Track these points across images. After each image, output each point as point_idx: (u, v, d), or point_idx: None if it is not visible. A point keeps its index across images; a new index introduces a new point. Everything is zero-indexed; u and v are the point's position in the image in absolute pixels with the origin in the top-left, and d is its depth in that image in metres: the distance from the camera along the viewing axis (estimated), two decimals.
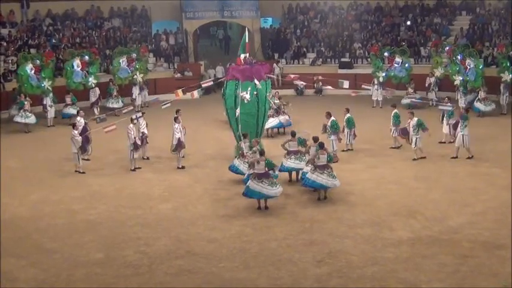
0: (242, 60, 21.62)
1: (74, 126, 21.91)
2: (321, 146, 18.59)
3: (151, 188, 19.95)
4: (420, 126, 22.15)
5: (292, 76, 23.63)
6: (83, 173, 21.52)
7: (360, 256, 14.68)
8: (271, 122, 25.72)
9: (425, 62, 35.09)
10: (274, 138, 25.23)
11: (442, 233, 15.93)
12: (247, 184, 17.71)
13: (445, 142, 23.98)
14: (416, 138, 22.17)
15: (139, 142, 21.66)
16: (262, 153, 18.08)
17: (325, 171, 18.16)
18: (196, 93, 23.25)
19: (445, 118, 24.10)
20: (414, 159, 22.18)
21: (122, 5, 39.28)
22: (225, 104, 22.16)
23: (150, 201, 18.78)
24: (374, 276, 13.71)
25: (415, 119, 22.30)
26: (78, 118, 23.20)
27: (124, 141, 21.94)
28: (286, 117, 26.31)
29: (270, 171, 17.90)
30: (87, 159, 22.38)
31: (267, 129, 25.19)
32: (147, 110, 27.08)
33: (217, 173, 21.14)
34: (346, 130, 23.03)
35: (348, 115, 23.02)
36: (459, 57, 30.47)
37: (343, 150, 22.98)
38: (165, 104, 22.34)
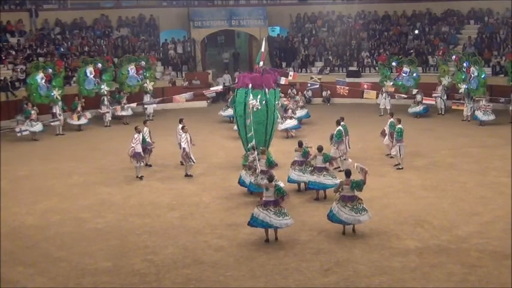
0: (259, 68, 21.70)
1: None
2: (347, 174, 16.51)
3: (159, 197, 19.95)
4: (398, 134, 22.05)
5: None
6: None
7: (368, 265, 14.64)
8: (289, 124, 26.97)
9: (433, 70, 35.10)
10: (291, 139, 25.56)
11: (450, 242, 15.87)
12: (252, 213, 16.22)
13: None
14: (400, 145, 22.13)
15: (140, 150, 21.60)
16: (271, 179, 16.63)
17: (348, 205, 16.14)
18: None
19: None
20: (396, 166, 22.24)
21: (130, 14, 39.47)
22: (234, 112, 22.23)
23: (157, 209, 18.79)
24: (381, 286, 13.66)
25: (399, 126, 22.26)
26: None
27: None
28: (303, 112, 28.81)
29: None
30: None
31: (286, 131, 26.98)
32: (153, 119, 27.20)
33: (224, 182, 21.14)
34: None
35: (342, 123, 22.82)
36: (465, 64, 30.54)
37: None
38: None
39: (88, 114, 27.87)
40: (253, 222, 16.06)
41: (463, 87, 30.14)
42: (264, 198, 16.17)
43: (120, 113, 30.76)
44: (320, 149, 19.31)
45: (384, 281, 13.84)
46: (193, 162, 21.87)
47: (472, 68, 30.22)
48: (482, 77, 30.18)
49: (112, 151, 25.01)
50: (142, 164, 21.85)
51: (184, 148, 21.53)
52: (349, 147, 22.61)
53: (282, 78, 22.83)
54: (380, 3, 40.47)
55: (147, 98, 32.10)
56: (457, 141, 26.12)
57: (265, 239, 16.13)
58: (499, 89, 30.73)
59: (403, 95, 27.71)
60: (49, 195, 20.33)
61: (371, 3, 40.60)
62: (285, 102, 27.59)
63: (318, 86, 31.05)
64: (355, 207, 16.16)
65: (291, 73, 24.62)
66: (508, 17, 36.36)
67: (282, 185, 17.64)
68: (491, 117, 28.67)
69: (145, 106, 31.95)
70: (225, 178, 21.50)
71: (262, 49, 22.28)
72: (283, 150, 22.86)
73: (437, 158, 23.56)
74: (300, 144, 20.02)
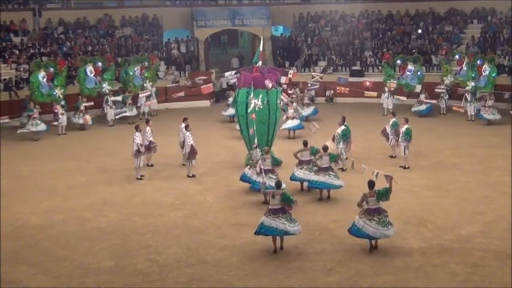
0: (257, 69, 21.67)
1: None
2: (370, 185, 15.46)
3: (162, 196, 19.95)
4: (406, 135, 22.00)
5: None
6: None
7: (371, 265, 14.63)
8: (290, 124, 27.08)
9: (436, 70, 35.06)
10: (295, 139, 25.70)
11: (453, 241, 15.86)
12: (260, 221, 15.36)
13: None
14: (404, 145, 22.10)
15: (142, 149, 21.57)
16: (278, 185, 15.88)
17: (375, 218, 15.08)
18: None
19: None
20: (403, 167, 22.17)
21: (133, 14, 39.48)
22: (236, 112, 22.24)
23: (160, 209, 18.79)
24: (385, 285, 13.65)
25: (406, 126, 22.21)
26: None
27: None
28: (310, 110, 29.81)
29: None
30: None
31: (288, 131, 27.11)
32: (154, 118, 27.18)
33: (228, 181, 21.12)
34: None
35: (345, 123, 22.73)
36: (479, 62, 30.55)
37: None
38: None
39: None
40: (265, 230, 15.25)
41: (471, 84, 30.14)
42: (270, 207, 15.46)
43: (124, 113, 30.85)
44: (325, 148, 19.27)
45: (387, 281, 13.84)
46: (193, 164, 21.86)
47: (485, 66, 30.32)
48: (493, 75, 30.26)
49: (115, 151, 25.00)
50: (141, 163, 21.76)
51: (192, 145, 21.45)
52: (350, 147, 22.50)
53: (282, 77, 22.83)
54: (383, 3, 40.41)
55: (142, 98, 31.86)
56: (459, 141, 26.09)
57: (274, 250, 15.43)
58: (502, 88, 30.74)
59: (403, 98, 27.67)
60: (52, 194, 20.35)
61: (374, 2, 40.53)
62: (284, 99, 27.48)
63: (317, 86, 31.01)
64: (381, 220, 15.09)
65: (291, 71, 24.60)
66: (511, 17, 36.27)
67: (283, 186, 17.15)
68: (497, 116, 28.57)
69: (139, 105, 31.87)
70: (228, 177, 21.49)
71: (261, 48, 22.28)
72: (286, 149, 22.80)
73: (440, 158, 23.53)
74: (305, 143, 19.98)
